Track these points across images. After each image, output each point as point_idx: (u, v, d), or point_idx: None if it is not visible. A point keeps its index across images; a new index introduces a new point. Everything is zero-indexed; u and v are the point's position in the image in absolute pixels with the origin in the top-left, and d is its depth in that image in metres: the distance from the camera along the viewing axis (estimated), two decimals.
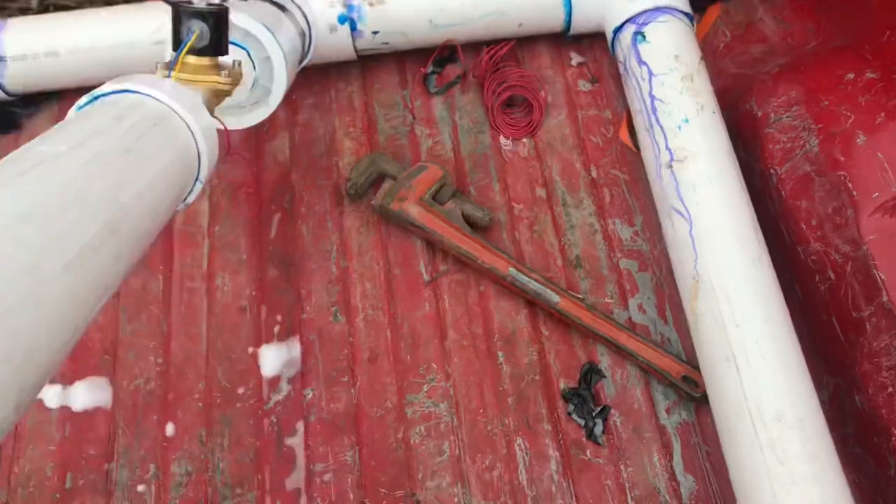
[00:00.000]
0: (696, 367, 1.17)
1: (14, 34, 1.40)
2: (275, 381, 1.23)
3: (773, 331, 1.08)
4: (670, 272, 1.27)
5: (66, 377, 1.24)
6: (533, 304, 1.27)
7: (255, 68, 1.16)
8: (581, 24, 1.47)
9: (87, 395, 1.23)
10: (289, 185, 1.40)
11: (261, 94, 1.20)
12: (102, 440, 1.19)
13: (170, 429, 1.20)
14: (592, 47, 1.52)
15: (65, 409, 1.22)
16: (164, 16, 1.35)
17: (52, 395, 1.23)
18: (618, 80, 1.48)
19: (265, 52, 1.16)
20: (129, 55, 1.40)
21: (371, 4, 1.40)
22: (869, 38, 1.28)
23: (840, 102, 1.18)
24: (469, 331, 1.26)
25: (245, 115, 1.20)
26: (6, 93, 1.44)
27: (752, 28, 1.54)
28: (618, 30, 1.40)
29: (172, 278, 1.32)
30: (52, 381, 1.23)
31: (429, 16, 1.42)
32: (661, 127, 1.27)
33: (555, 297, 1.24)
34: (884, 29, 1.26)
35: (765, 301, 1.10)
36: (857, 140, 1.13)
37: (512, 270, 1.26)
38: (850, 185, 1.12)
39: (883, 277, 1.05)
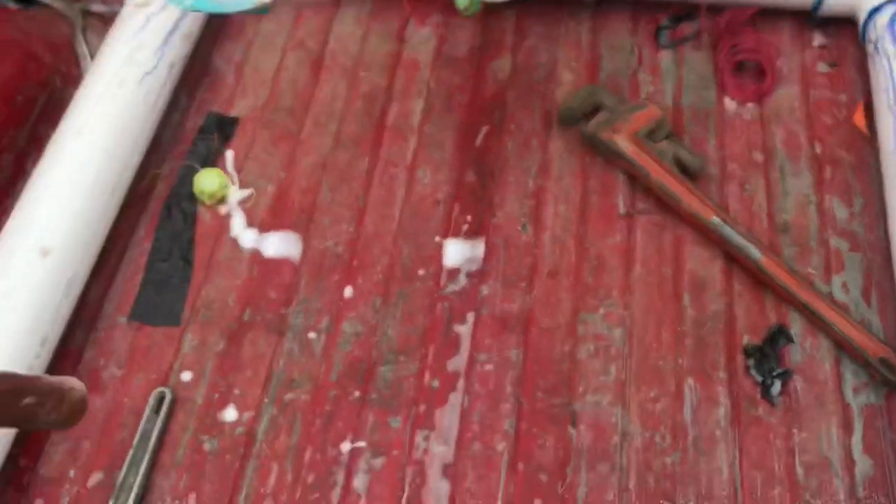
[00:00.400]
0: None
1: None
2: (454, 273, 1.24)
3: None
4: (885, 258, 1.20)
5: (264, 225, 1.30)
6: (730, 257, 1.22)
7: None
8: (833, 2, 1.41)
9: (278, 245, 1.28)
10: (502, 102, 1.42)
11: None
12: (285, 287, 1.24)
13: (348, 291, 1.23)
14: (838, 34, 1.46)
15: (256, 253, 1.28)
16: None
17: (247, 238, 1.29)
18: (860, 68, 1.41)
19: None
20: None
21: None
22: None
23: None
24: (657, 269, 1.22)
25: None
26: None
27: None
28: (875, 10, 1.34)
29: (377, 162, 1.36)
30: (251, 225, 1.30)
31: None
32: None
33: (756, 253, 1.19)
34: None
35: None
36: None
37: (716, 219, 1.22)
38: None
39: None
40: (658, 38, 1.49)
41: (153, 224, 1.31)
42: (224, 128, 1.41)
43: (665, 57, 1.46)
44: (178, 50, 1.39)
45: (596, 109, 1.37)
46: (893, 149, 1.19)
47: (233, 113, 1.44)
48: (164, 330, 1.21)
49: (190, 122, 1.43)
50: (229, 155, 1.38)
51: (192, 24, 1.43)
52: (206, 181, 1.32)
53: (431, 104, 1.42)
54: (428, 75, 1.46)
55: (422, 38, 1.51)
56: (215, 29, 1.54)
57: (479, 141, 1.38)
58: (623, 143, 1.29)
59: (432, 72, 1.46)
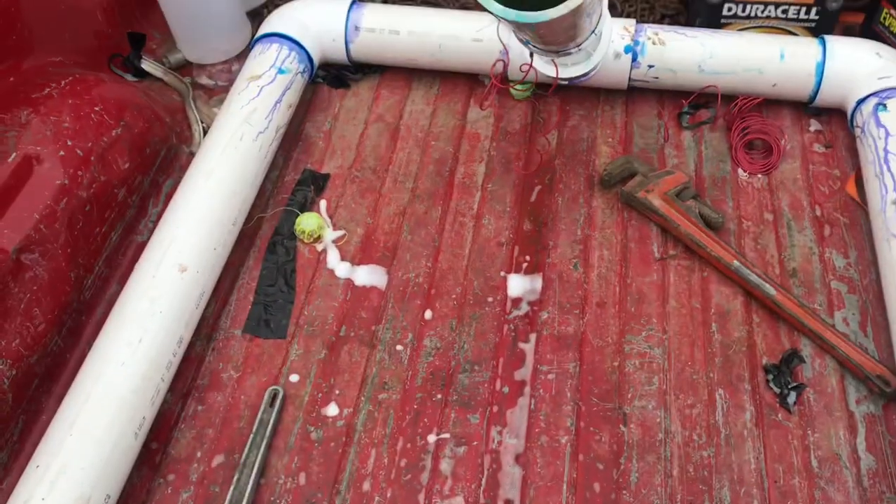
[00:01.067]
0: (891, 371, 1.32)
1: (371, 12, 1.81)
2: (517, 301, 1.48)
3: None
4: (877, 298, 1.44)
5: (355, 259, 1.54)
6: (749, 294, 1.46)
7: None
8: (826, 96, 1.70)
9: (368, 275, 1.52)
10: (551, 168, 1.69)
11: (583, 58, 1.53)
12: (374, 309, 1.47)
13: (428, 314, 1.46)
14: (830, 121, 1.76)
15: (349, 282, 1.51)
16: (485, 20, 1.72)
17: (341, 269, 1.53)
18: (850, 148, 1.69)
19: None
20: (453, 45, 1.76)
21: (654, 43, 1.71)
22: None
23: None
24: (688, 302, 1.46)
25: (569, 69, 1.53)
26: (349, 58, 1.84)
27: None
28: (861, 101, 1.63)
29: (448, 212, 1.61)
30: (343, 259, 1.54)
31: (699, 61, 1.71)
32: (892, 174, 1.47)
33: (771, 290, 1.43)
34: None
35: None
36: None
37: (736, 263, 1.47)
38: None
39: None
40: (680, 120, 1.77)
41: (260, 256, 1.55)
42: (318, 181, 1.67)
43: (687, 136, 1.74)
44: (283, 116, 1.66)
45: (631, 175, 1.63)
46: (880, 209, 1.46)
47: (324, 170, 1.70)
48: (273, 342, 1.43)
49: (288, 176, 1.68)
50: (323, 203, 1.63)
51: (293, 97, 1.71)
52: (307, 222, 1.56)
53: (492, 167, 1.69)
54: (489, 145, 1.73)
55: (482, 115, 1.79)
56: (307, 102, 1.82)
57: (533, 197, 1.64)
58: (656, 201, 1.56)
59: (492, 142, 1.74)
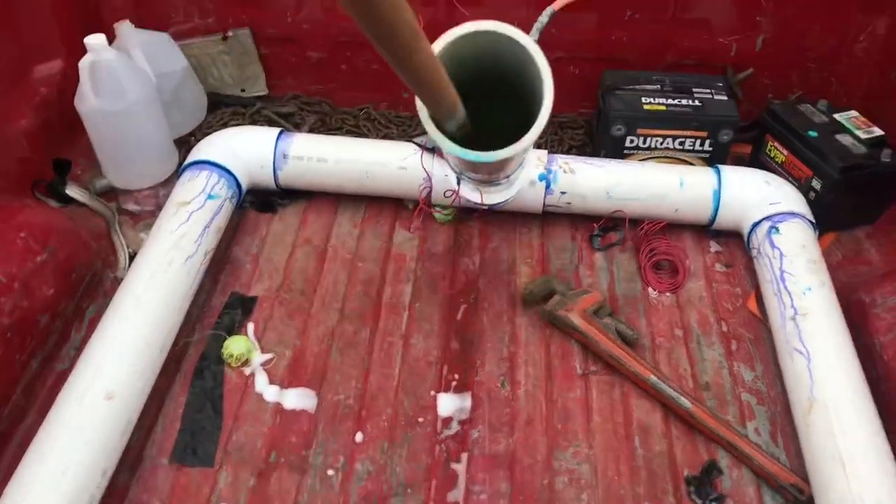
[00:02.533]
0: (803, 479, 1.40)
1: (299, 141, 1.88)
2: (448, 420, 1.50)
3: (874, 442, 1.32)
4: (784, 409, 1.53)
5: (284, 382, 1.54)
6: (667, 407, 1.53)
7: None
8: (723, 220, 1.85)
9: (297, 399, 1.52)
10: (475, 287, 1.76)
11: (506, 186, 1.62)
12: (304, 433, 1.47)
13: (359, 436, 1.47)
14: (729, 243, 1.90)
15: (278, 405, 1.51)
16: (410, 151, 1.82)
17: (270, 393, 1.53)
18: (748, 268, 1.83)
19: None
20: (379, 172, 1.84)
21: (565, 171, 1.84)
22: None
23: None
24: (612, 417, 1.52)
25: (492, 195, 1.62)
26: (277, 185, 1.89)
27: (860, 254, 1.89)
28: (756, 224, 1.78)
29: (377, 332, 1.65)
30: (272, 382, 1.54)
31: (606, 188, 1.84)
32: (789, 292, 1.60)
33: (687, 404, 1.51)
34: None
35: (868, 419, 1.36)
36: None
37: (653, 377, 1.55)
38: None
39: None
40: (592, 243, 1.88)
41: (187, 382, 1.53)
42: (245, 304, 1.68)
43: (599, 257, 1.85)
44: (211, 241, 1.68)
45: (551, 294, 1.71)
46: (780, 325, 1.57)
47: (252, 293, 1.71)
48: (200, 470, 1.40)
49: (216, 300, 1.69)
50: (251, 326, 1.64)
51: (221, 221, 1.74)
52: (234, 346, 1.57)
53: (419, 288, 1.74)
54: (414, 266, 1.79)
55: (407, 238, 1.86)
56: (234, 226, 1.85)
57: (459, 316, 1.69)
58: (576, 319, 1.63)
59: (418, 263, 1.80)
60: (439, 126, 1.18)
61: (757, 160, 2.03)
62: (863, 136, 1.87)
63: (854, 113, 1.94)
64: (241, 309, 1.67)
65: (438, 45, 1.16)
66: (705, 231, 1.91)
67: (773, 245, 1.71)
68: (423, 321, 1.67)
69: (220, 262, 1.77)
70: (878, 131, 1.88)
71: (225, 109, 2.14)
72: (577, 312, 1.65)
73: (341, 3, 0.69)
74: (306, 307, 1.69)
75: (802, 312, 1.55)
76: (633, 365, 1.57)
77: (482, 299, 1.73)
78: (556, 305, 1.67)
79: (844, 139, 1.86)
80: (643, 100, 1.94)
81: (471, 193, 1.63)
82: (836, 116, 1.93)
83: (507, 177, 1.53)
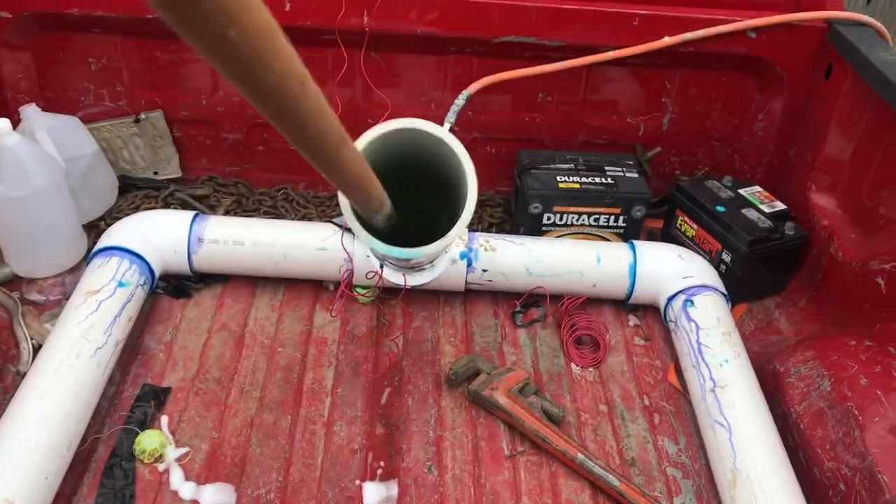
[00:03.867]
0: None
1: (214, 224, 1.84)
2: None
3: None
4: (709, 482, 1.55)
5: (201, 478, 1.47)
6: (595, 486, 1.52)
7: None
8: (640, 294, 1.89)
9: (214, 495, 1.45)
10: (399, 369, 1.73)
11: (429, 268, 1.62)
12: None
13: None
14: (646, 316, 1.94)
15: (195, 503, 1.43)
16: (330, 232, 1.80)
17: (187, 490, 1.45)
18: (666, 340, 1.86)
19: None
20: (298, 254, 1.82)
21: (486, 249, 1.85)
22: (864, 328, 1.68)
23: (846, 357, 1.55)
24: (541, 499, 1.50)
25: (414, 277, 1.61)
26: (191, 269, 1.84)
27: (771, 324, 1.96)
28: (671, 298, 1.82)
29: (298, 420, 1.60)
30: (188, 478, 1.47)
31: (526, 265, 1.86)
32: (707, 364, 1.63)
33: (615, 481, 1.50)
34: (875, 322, 1.67)
35: (790, 493, 1.38)
36: (861, 381, 1.48)
37: (580, 455, 1.54)
38: (856, 412, 1.44)
39: (886, 480, 1.34)
40: (514, 319, 1.89)
41: (96, 482, 1.44)
42: (158, 396, 1.61)
43: (522, 333, 1.86)
44: (122, 330, 1.62)
45: (476, 374, 1.70)
46: (700, 397, 1.60)
47: (165, 384, 1.64)
48: None
49: (127, 392, 1.61)
50: (164, 419, 1.57)
51: (133, 310, 1.67)
52: (147, 440, 1.49)
53: (341, 372, 1.71)
54: (336, 349, 1.76)
55: (328, 320, 1.82)
56: (147, 313, 1.78)
57: (384, 400, 1.66)
58: (501, 398, 1.62)
59: (339, 346, 1.76)
60: (365, 221, 1.18)
61: (668, 234, 2.10)
62: (767, 210, 1.95)
63: (757, 188, 2.03)
64: (153, 401, 1.60)
65: (361, 143, 1.17)
66: (623, 305, 1.94)
67: (689, 318, 1.74)
68: (347, 407, 1.63)
69: (132, 352, 1.70)
70: (780, 205, 1.97)
71: (137, 192, 2.09)
72: (503, 392, 1.64)
73: (265, 117, 0.67)
74: (223, 397, 1.63)
75: (721, 385, 1.58)
76: (560, 443, 1.56)
77: (406, 381, 1.70)
78: (481, 386, 1.66)
79: (750, 213, 1.94)
80: (558, 178, 1.99)
81: (393, 275, 1.62)
82: (741, 191, 2.01)
83: (431, 262, 1.53)
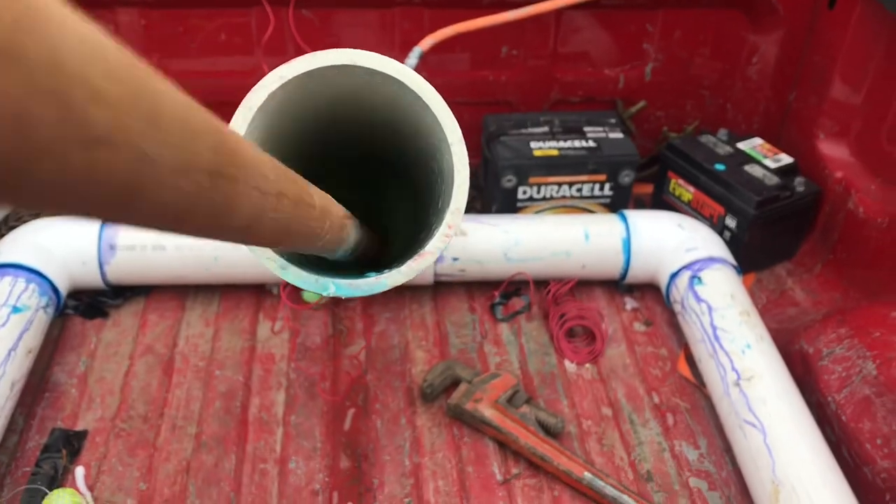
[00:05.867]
0: None
1: (128, 227, 1.53)
2: None
3: None
4: (740, 492, 1.30)
5: None
6: None
7: None
8: (636, 272, 1.63)
9: None
10: (364, 385, 1.45)
11: None
12: None
13: None
14: (644, 297, 1.68)
15: None
16: None
17: None
18: (671, 324, 1.61)
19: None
20: (232, 256, 1.53)
21: (455, 234, 1.57)
22: None
23: (891, 333, 1.31)
24: None
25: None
26: (105, 282, 1.54)
27: (784, 294, 1.72)
28: (674, 275, 1.56)
29: (245, 459, 1.32)
30: None
31: (504, 249, 1.59)
32: (726, 352, 1.38)
33: (631, 503, 1.25)
34: None
35: (844, 502, 1.13)
36: None
37: (587, 474, 1.28)
38: None
39: None
40: (494, 312, 1.62)
41: None
42: (71, 443, 1.31)
43: (504, 329, 1.59)
44: (20, 366, 1.32)
45: (454, 383, 1.44)
46: (722, 392, 1.35)
47: (79, 427, 1.35)
48: None
49: (31, 441, 1.32)
50: (80, 472, 1.28)
51: (33, 340, 1.37)
52: (58, 501, 1.20)
53: (294, 394, 1.43)
54: (286, 367, 1.47)
55: (273, 332, 1.54)
56: (54, 341, 1.48)
57: (347, 425, 1.38)
58: (488, 411, 1.36)
59: (290, 363, 1.48)
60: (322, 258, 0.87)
61: (660, 200, 1.84)
62: (772, 164, 1.70)
63: (758, 140, 1.78)
64: (65, 450, 1.30)
65: (245, 115, 0.79)
66: (617, 286, 1.68)
67: (698, 298, 1.49)
68: (303, 438, 1.35)
69: (36, 390, 1.40)
70: (786, 158, 1.72)
71: None
72: (489, 403, 1.37)
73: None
74: (151, 437, 1.34)
75: (746, 376, 1.33)
76: (562, 461, 1.30)
77: (373, 400, 1.43)
78: (462, 398, 1.39)
79: (754, 170, 1.69)
80: (532, 145, 1.71)
81: None
82: (740, 145, 1.76)
83: None
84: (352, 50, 0.79)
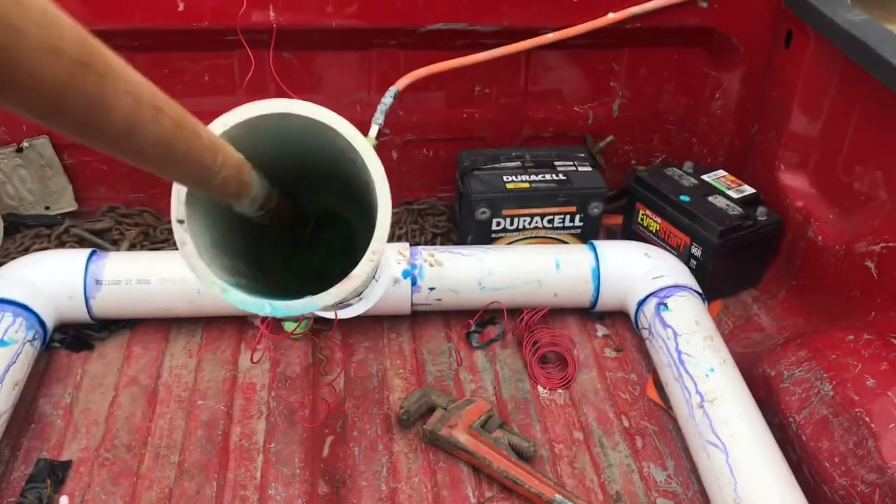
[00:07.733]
0: None
1: (113, 262, 1.58)
2: None
3: None
4: None
5: None
6: None
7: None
8: (606, 300, 1.69)
9: None
10: (342, 413, 1.50)
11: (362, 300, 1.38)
12: None
13: None
14: (615, 324, 1.74)
15: None
16: None
17: None
18: (640, 350, 1.67)
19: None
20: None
21: (431, 265, 1.63)
22: (856, 318, 1.51)
23: (846, 355, 1.37)
24: None
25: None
26: (91, 316, 1.58)
27: (750, 320, 1.78)
28: (642, 302, 1.62)
29: (226, 486, 1.35)
30: None
31: (478, 278, 1.64)
32: (690, 375, 1.44)
33: None
34: (868, 311, 1.50)
35: None
36: (867, 382, 1.30)
37: (558, 496, 1.33)
38: (867, 419, 1.26)
39: None
40: (470, 340, 1.67)
41: None
42: (56, 473, 1.35)
43: (479, 356, 1.64)
44: (7, 399, 1.35)
45: (430, 410, 1.48)
46: (687, 414, 1.40)
47: (64, 457, 1.38)
48: None
49: (17, 472, 1.35)
50: (64, 501, 1.31)
51: (20, 373, 1.41)
52: None
53: (274, 422, 1.47)
54: (266, 396, 1.51)
55: (254, 362, 1.58)
56: (40, 374, 1.52)
57: (325, 451, 1.42)
58: (462, 437, 1.40)
59: (270, 392, 1.52)
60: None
61: (629, 231, 1.91)
62: (735, 195, 1.77)
63: (722, 172, 1.85)
64: (50, 479, 1.34)
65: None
66: (588, 314, 1.74)
67: (664, 324, 1.55)
68: (282, 464, 1.39)
69: (22, 421, 1.44)
70: (749, 189, 1.79)
71: (26, 232, 1.81)
72: (463, 429, 1.42)
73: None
74: (135, 466, 1.37)
75: (709, 398, 1.38)
76: (534, 484, 1.34)
77: (351, 427, 1.47)
78: (437, 424, 1.43)
79: (717, 200, 1.75)
80: (505, 178, 1.78)
81: (322, 312, 1.38)
82: (705, 177, 1.84)
83: (359, 296, 1.30)
84: (287, 100, 0.86)
